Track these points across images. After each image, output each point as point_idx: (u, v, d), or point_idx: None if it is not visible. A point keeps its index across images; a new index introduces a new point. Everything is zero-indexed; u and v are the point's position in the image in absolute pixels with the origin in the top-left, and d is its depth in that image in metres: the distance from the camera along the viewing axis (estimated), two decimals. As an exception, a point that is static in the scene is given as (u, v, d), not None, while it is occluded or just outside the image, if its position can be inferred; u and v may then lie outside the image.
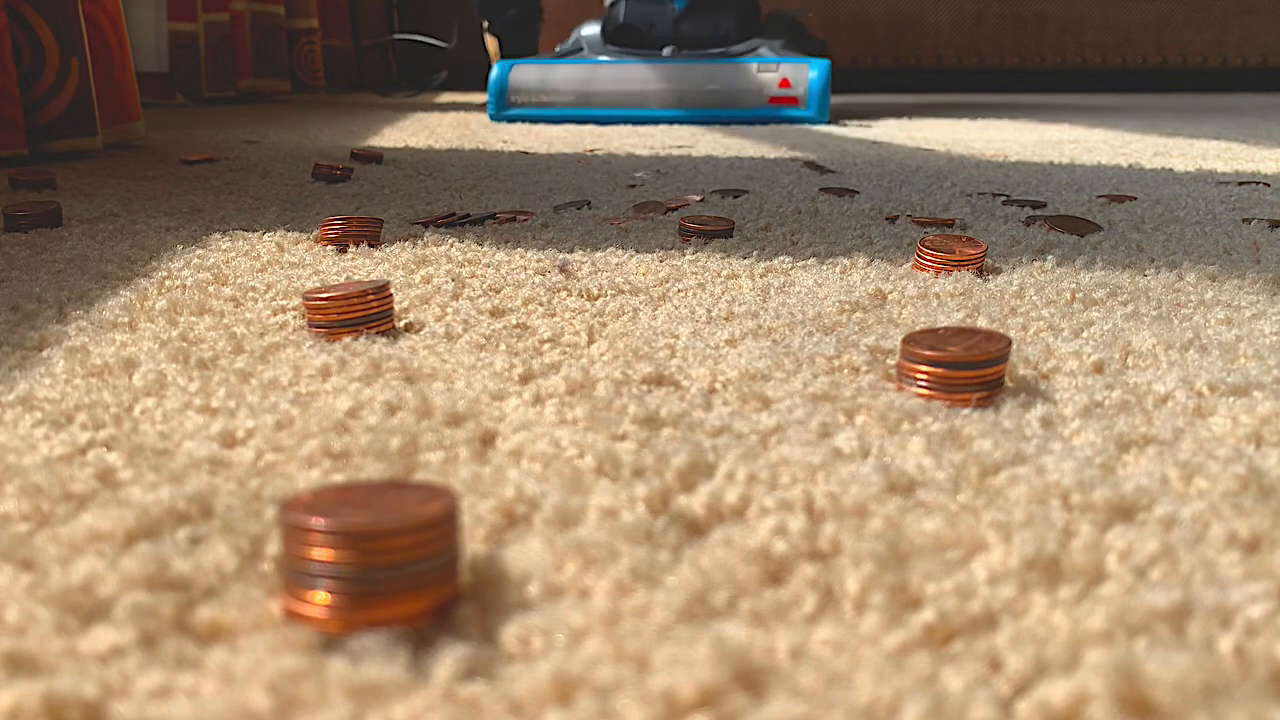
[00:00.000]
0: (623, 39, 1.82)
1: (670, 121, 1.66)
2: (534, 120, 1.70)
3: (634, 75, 1.70)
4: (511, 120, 1.70)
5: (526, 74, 1.73)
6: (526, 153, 1.14)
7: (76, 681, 0.18)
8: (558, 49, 1.88)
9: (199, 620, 0.20)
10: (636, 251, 0.55)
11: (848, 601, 0.21)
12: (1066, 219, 0.63)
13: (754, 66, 1.67)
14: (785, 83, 1.65)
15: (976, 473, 0.27)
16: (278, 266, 0.52)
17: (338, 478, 0.27)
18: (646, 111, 1.68)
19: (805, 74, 1.65)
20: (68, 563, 0.22)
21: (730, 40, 1.80)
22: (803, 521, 0.24)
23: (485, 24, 2.36)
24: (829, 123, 1.65)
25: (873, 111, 1.97)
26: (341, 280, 0.49)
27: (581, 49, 1.82)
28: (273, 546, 0.23)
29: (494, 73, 1.73)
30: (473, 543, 0.23)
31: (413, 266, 0.52)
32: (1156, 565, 0.22)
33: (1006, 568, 0.22)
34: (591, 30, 1.85)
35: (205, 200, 0.76)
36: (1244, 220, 0.66)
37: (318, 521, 0.20)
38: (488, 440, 0.29)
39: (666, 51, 1.76)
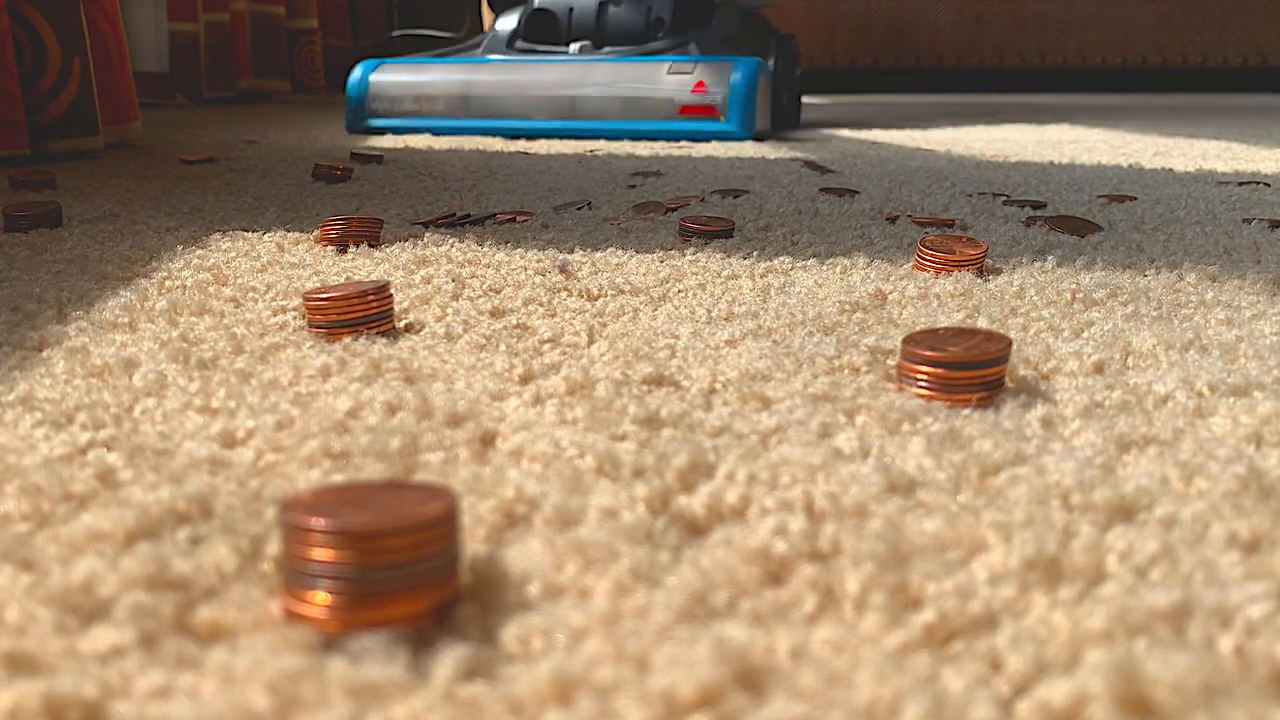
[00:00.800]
0: (536, 33, 1.52)
1: (560, 136, 1.35)
2: (399, 133, 1.41)
3: (521, 79, 1.38)
4: (371, 133, 1.42)
5: (392, 77, 1.43)
6: (526, 153, 1.13)
7: (76, 681, 0.18)
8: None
9: (199, 620, 0.20)
10: (636, 252, 0.55)
11: (848, 601, 0.21)
12: (1067, 219, 0.63)
13: (664, 67, 1.32)
14: (700, 87, 1.29)
15: (976, 473, 0.27)
16: (278, 267, 0.52)
17: (338, 478, 0.27)
18: (530, 124, 1.36)
19: (726, 76, 1.29)
20: (68, 563, 0.22)
21: (663, 34, 1.47)
22: (803, 522, 0.24)
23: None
24: (755, 139, 1.31)
25: (867, 119, 1.96)
26: (341, 280, 0.49)
27: (477, 47, 1.54)
28: (273, 546, 0.23)
29: (353, 75, 1.45)
30: (473, 543, 0.23)
31: (413, 267, 0.52)
32: (1156, 565, 0.22)
33: (1007, 568, 0.22)
34: (506, 23, 1.54)
35: (205, 200, 0.76)
36: (1244, 220, 0.66)
37: (318, 521, 0.20)
38: (488, 440, 0.29)
39: (575, 49, 1.44)
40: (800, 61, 1.72)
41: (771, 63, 1.46)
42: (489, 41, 1.52)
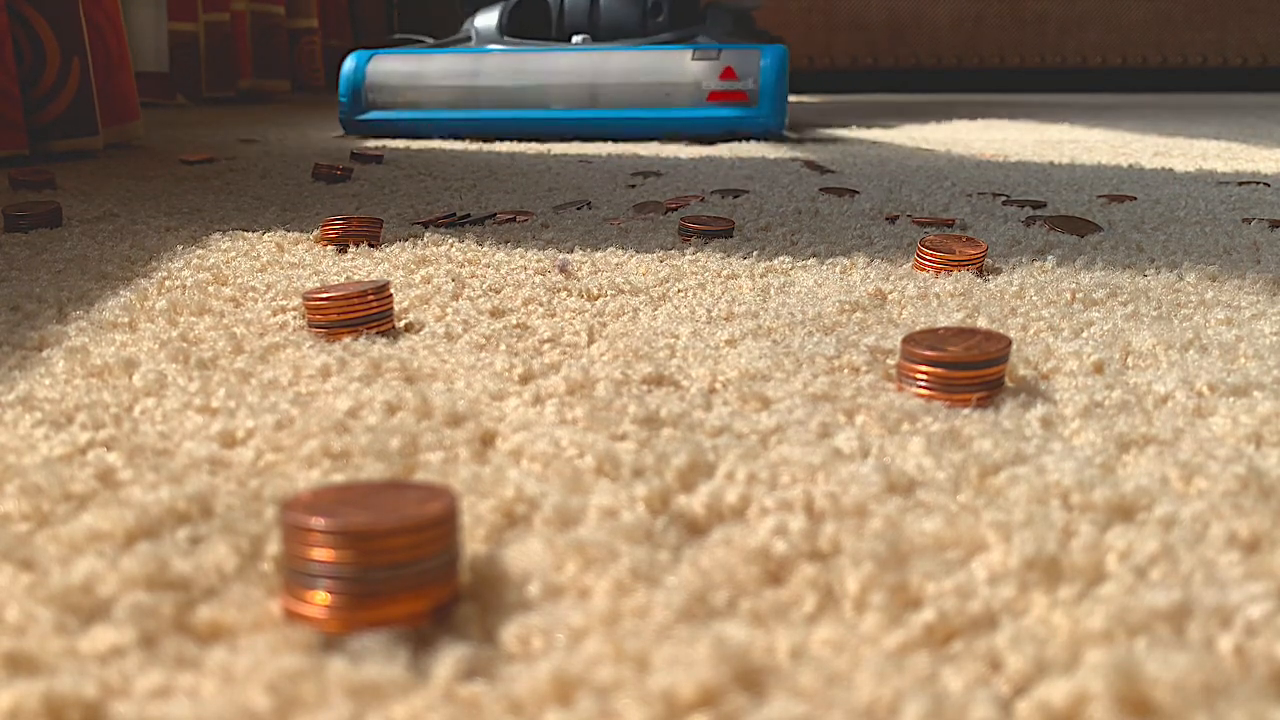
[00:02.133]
0: (523, 28, 1.45)
1: (580, 128, 1.28)
2: (398, 127, 1.31)
3: (533, 66, 1.30)
4: (370, 128, 1.32)
5: (390, 66, 1.32)
6: (526, 153, 1.13)
7: (76, 681, 0.18)
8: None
9: (199, 620, 0.20)
10: (636, 251, 0.55)
11: (848, 601, 0.21)
12: (1067, 219, 0.63)
13: (687, 54, 1.27)
14: (729, 73, 1.25)
15: (976, 473, 0.27)
16: (278, 267, 0.52)
17: (338, 478, 0.27)
18: (548, 114, 1.28)
19: (755, 62, 1.24)
20: (68, 563, 0.22)
21: (659, 30, 1.44)
22: (803, 521, 0.24)
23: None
24: (784, 132, 1.29)
25: (866, 119, 1.96)
26: (341, 280, 0.49)
27: (469, 39, 1.45)
28: (273, 546, 0.23)
29: (346, 65, 1.32)
30: (473, 543, 0.23)
31: (413, 266, 0.52)
32: (1156, 565, 0.22)
33: (1006, 568, 0.22)
34: (486, 20, 1.46)
35: (205, 200, 0.76)
36: (1244, 220, 0.66)
37: (318, 521, 0.20)
38: (488, 440, 0.29)
39: (578, 39, 1.41)
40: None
41: None
42: (479, 36, 1.44)
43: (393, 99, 1.31)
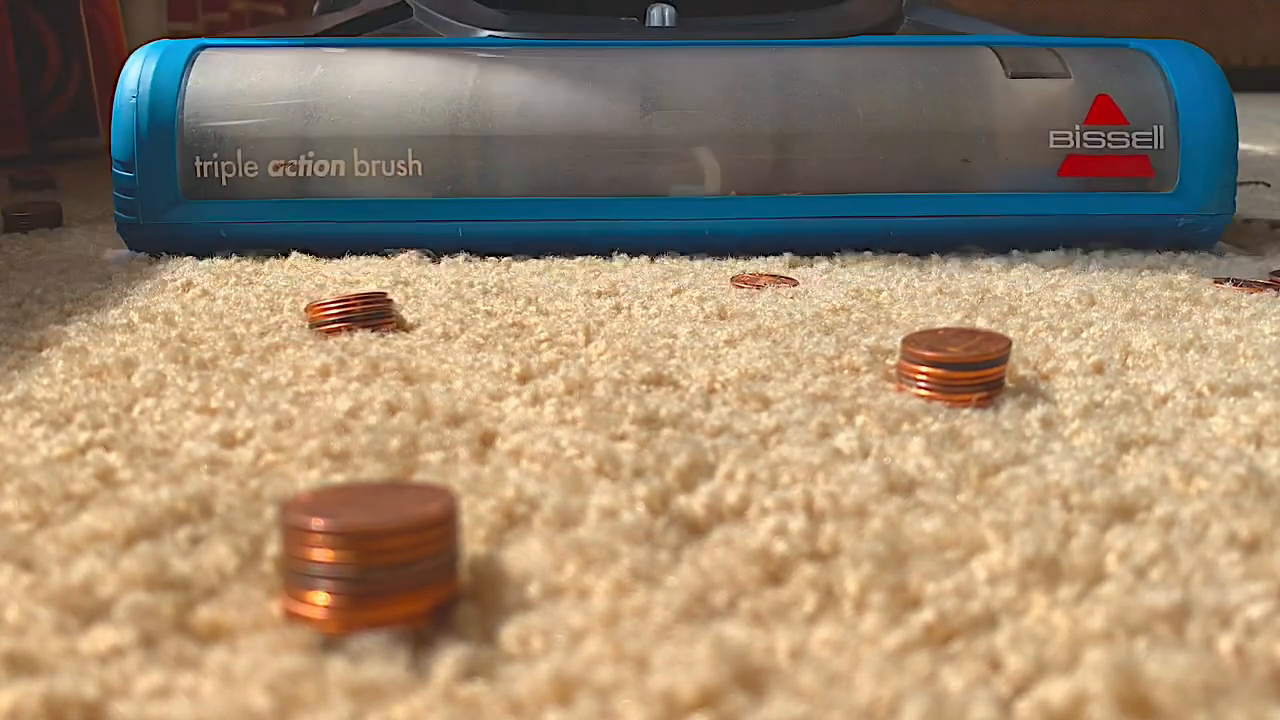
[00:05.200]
0: None
1: (741, 237, 0.54)
2: (258, 232, 0.53)
3: (605, 86, 0.55)
4: (198, 241, 0.54)
5: (242, 69, 0.54)
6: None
7: (76, 681, 0.18)
8: (316, 8, 0.72)
9: (199, 620, 0.20)
10: (634, 251, 0.55)
11: (848, 601, 0.21)
12: None
13: (992, 57, 0.56)
14: (1105, 108, 0.54)
15: (976, 473, 0.27)
16: (278, 267, 0.52)
17: (338, 478, 0.27)
18: (662, 207, 0.54)
19: (1156, 82, 0.55)
20: (68, 563, 0.22)
21: None
22: (803, 521, 0.24)
23: None
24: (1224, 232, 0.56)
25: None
26: (341, 280, 0.49)
27: (398, 5, 0.62)
28: (273, 547, 0.23)
29: (129, 82, 0.53)
30: (473, 543, 0.23)
31: (412, 266, 0.52)
32: (1156, 565, 0.22)
33: (1006, 568, 0.22)
34: None
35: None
36: (1244, 221, 0.66)
37: (317, 522, 0.20)
38: (487, 440, 0.29)
39: (661, 17, 0.62)
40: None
41: None
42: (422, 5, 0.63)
43: (253, 166, 0.53)
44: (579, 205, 0.53)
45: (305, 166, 0.53)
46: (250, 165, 0.52)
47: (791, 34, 0.61)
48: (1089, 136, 0.54)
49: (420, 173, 0.53)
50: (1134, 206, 0.54)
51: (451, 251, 0.53)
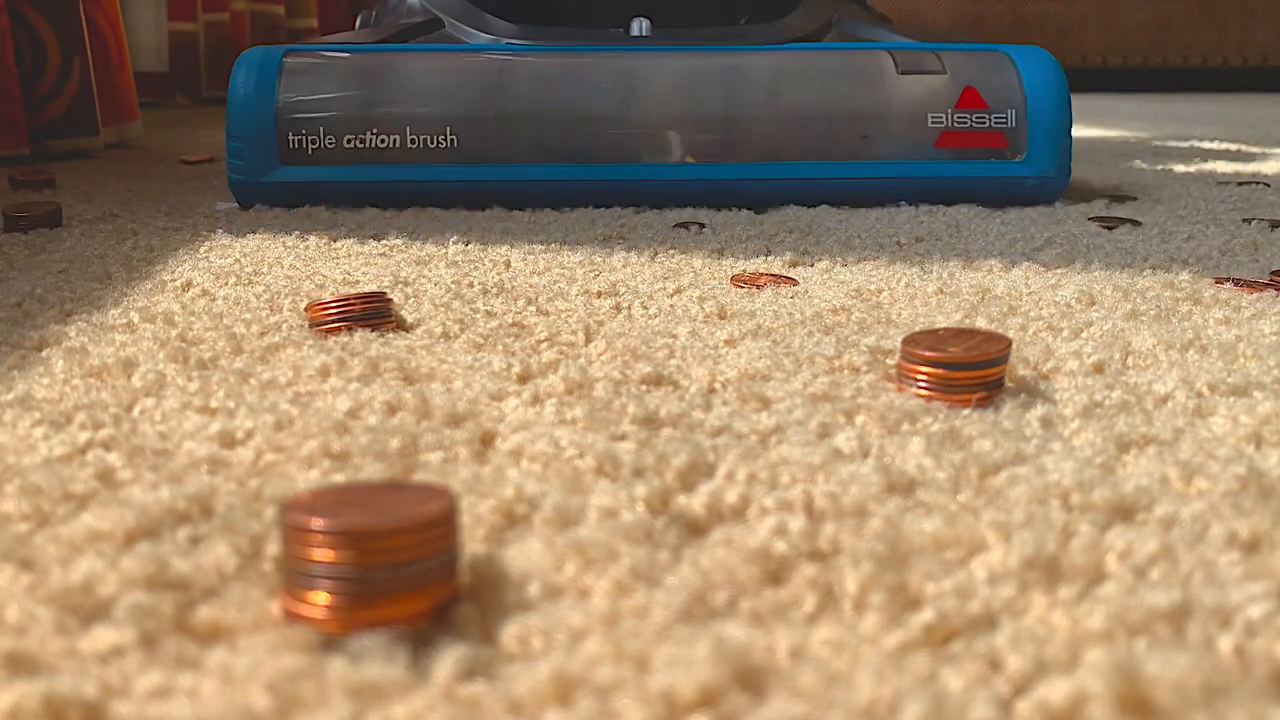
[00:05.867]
0: (519, 5, 0.86)
1: (704, 196, 0.70)
2: (341, 191, 0.70)
3: (604, 79, 0.71)
4: (292, 195, 0.70)
5: (322, 70, 0.72)
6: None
7: (76, 681, 0.18)
8: (359, 23, 0.94)
9: (199, 620, 0.20)
10: (635, 251, 0.55)
11: (847, 601, 0.21)
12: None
13: (887, 59, 0.72)
14: (971, 96, 0.71)
15: (976, 473, 0.27)
16: (278, 266, 0.52)
17: (337, 478, 0.27)
18: (638, 170, 0.70)
19: (1010, 76, 0.72)
20: (68, 563, 0.22)
21: (765, 9, 0.87)
22: (803, 521, 0.24)
23: None
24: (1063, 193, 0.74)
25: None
26: (341, 280, 0.49)
27: (432, 20, 0.83)
28: (273, 546, 0.23)
29: (240, 77, 0.70)
30: (473, 543, 0.23)
31: (411, 266, 0.52)
32: (1156, 565, 0.22)
33: (1006, 568, 0.22)
34: None
35: (205, 200, 0.76)
36: (1244, 220, 0.66)
37: (317, 522, 0.20)
38: (487, 440, 0.29)
39: (639, 29, 0.80)
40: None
41: None
42: (444, 10, 0.83)
43: (332, 140, 0.69)
44: (574, 169, 0.70)
45: (369, 140, 0.70)
46: (329, 139, 0.70)
47: (743, 41, 0.79)
48: (958, 118, 0.71)
49: (455, 145, 0.70)
50: (993, 171, 0.71)
51: (476, 206, 0.70)
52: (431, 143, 0.70)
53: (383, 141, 0.70)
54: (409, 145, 0.70)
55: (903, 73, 0.72)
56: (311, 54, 0.73)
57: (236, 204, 0.72)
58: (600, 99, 0.71)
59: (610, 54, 0.73)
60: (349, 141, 0.70)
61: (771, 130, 0.71)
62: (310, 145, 0.70)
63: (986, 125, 0.71)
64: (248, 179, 0.70)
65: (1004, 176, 0.71)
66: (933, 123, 0.71)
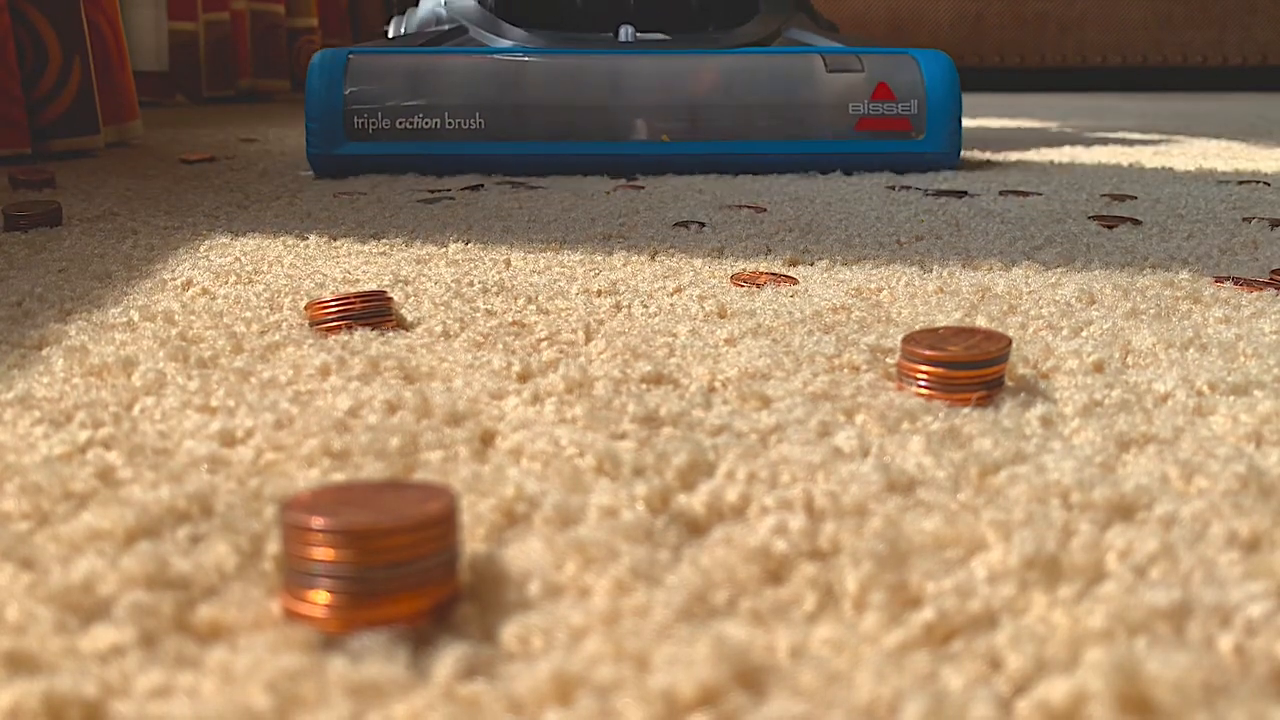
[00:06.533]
0: (524, 11, 1.03)
1: (674, 166, 0.91)
2: (394, 163, 0.90)
3: (597, 77, 0.92)
4: (356, 165, 0.90)
5: (378, 67, 0.91)
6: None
7: (76, 681, 0.18)
8: (393, 32, 1.12)
9: (199, 619, 0.20)
10: (635, 249, 0.55)
11: (847, 600, 0.21)
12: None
13: (818, 60, 0.92)
14: (883, 91, 0.91)
15: (976, 472, 0.27)
16: (278, 265, 0.52)
17: (337, 477, 0.27)
18: (626, 147, 0.91)
19: (913, 75, 0.91)
20: (68, 562, 0.22)
21: (728, 20, 1.04)
22: (803, 520, 0.24)
23: None
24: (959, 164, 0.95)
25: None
26: (341, 278, 0.49)
27: (459, 28, 1.00)
28: (273, 546, 0.23)
29: (315, 72, 0.90)
30: (473, 542, 0.23)
31: (412, 264, 0.52)
32: (1156, 564, 0.22)
33: (1006, 567, 0.22)
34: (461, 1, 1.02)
35: (205, 199, 0.76)
36: (1244, 219, 0.66)
37: (318, 521, 0.20)
38: (487, 439, 0.29)
39: (626, 34, 0.99)
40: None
41: None
42: (471, 20, 1.00)
43: (386, 126, 0.89)
44: (575, 145, 0.91)
45: (417, 122, 0.89)
46: (386, 121, 0.89)
47: (708, 45, 0.97)
48: (873, 107, 0.91)
49: (483, 126, 0.90)
50: (900, 148, 0.92)
51: (500, 177, 0.88)
52: (464, 125, 0.90)
53: (426, 123, 0.89)
54: (447, 126, 0.90)
55: (831, 71, 0.92)
56: (370, 55, 0.91)
57: (313, 173, 0.91)
58: (594, 91, 0.91)
59: (602, 56, 0.93)
60: (400, 123, 0.89)
61: (729, 115, 0.91)
62: (370, 126, 0.89)
63: (895, 112, 0.91)
64: (322, 152, 0.89)
65: (909, 152, 0.92)
66: (853, 110, 0.91)
